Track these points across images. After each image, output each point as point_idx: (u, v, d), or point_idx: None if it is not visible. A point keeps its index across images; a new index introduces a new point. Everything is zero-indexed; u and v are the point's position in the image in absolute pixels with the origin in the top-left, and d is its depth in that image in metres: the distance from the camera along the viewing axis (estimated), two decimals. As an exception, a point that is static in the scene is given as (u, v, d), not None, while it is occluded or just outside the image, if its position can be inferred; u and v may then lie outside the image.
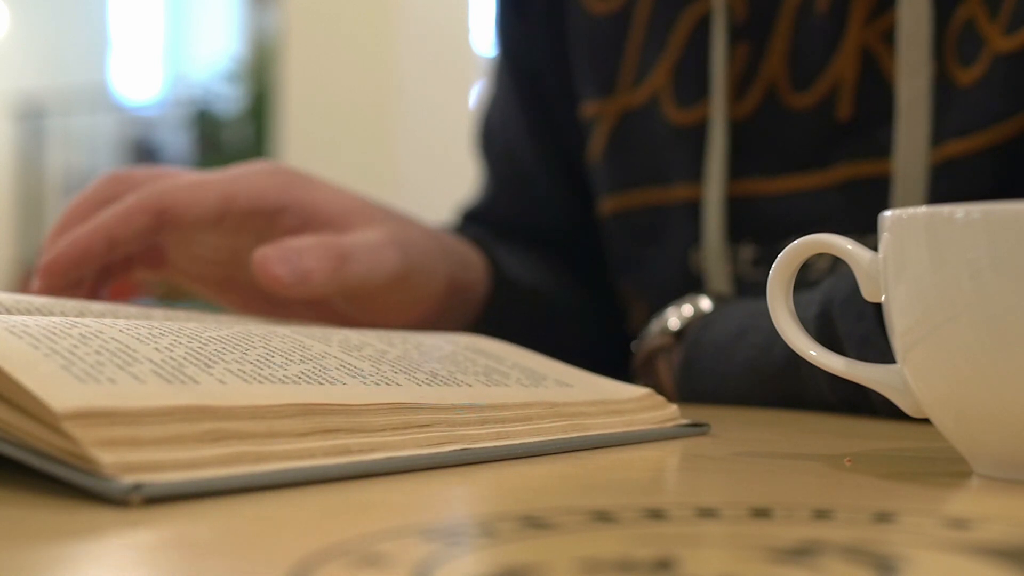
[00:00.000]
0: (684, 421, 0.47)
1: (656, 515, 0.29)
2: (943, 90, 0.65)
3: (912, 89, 0.65)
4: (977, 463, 0.37)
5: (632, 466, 0.41)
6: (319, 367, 0.39)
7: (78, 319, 0.38)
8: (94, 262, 0.58)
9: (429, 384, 0.41)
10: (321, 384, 0.38)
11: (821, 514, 0.30)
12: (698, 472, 0.40)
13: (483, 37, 2.68)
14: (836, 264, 0.64)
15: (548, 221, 0.85)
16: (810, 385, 0.56)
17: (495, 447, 0.39)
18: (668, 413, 0.47)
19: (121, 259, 0.61)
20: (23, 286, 0.74)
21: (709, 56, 0.73)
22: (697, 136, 0.73)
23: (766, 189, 0.72)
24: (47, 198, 6.24)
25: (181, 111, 6.14)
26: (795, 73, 0.70)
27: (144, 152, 6.38)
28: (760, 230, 0.71)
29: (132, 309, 0.51)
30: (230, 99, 5.54)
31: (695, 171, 0.73)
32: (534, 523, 0.28)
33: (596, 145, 0.79)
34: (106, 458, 0.30)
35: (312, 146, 2.65)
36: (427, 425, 0.38)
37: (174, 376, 0.34)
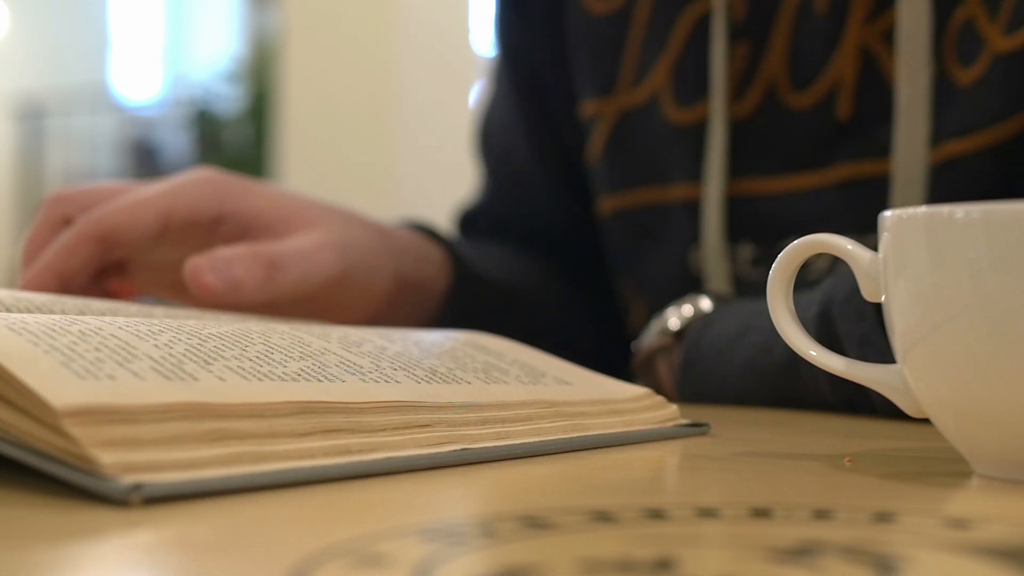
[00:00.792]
0: (684, 421, 0.47)
1: (656, 515, 0.29)
2: (943, 90, 0.65)
3: (912, 89, 0.65)
4: (977, 463, 0.37)
5: (632, 466, 0.41)
6: (318, 364, 0.39)
7: (78, 317, 0.38)
8: None
9: (428, 381, 0.41)
10: (320, 381, 0.38)
11: (821, 514, 0.30)
12: (698, 472, 0.40)
13: (483, 37, 2.68)
14: (836, 264, 0.64)
15: (546, 221, 0.85)
16: (810, 385, 0.56)
17: (495, 447, 0.39)
18: (668, 413, 0.47)
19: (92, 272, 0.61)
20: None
21: (709, 56, 0.73)
22: (697, 136, 0.73)
23: (766, 189, 0.72)
24: (47, 198, 6.23)
25: (181, 111, 6.14)
26: (795, 73, 0.70)
27: (144, 152, 6.39)
28: (759, 230, 0.71)
29: (133, 307, 0.51)
30: (230, 99, 5.54)
31: (694, 171, 0.73)
32: (534, 523, 0.28)
33: (596, 145, 0.79)
34: (106, 458, 0.30)
35: (312, 146, 2.65)
36: (427, 425, 0.38)
37: (174, 373, 0.34)
